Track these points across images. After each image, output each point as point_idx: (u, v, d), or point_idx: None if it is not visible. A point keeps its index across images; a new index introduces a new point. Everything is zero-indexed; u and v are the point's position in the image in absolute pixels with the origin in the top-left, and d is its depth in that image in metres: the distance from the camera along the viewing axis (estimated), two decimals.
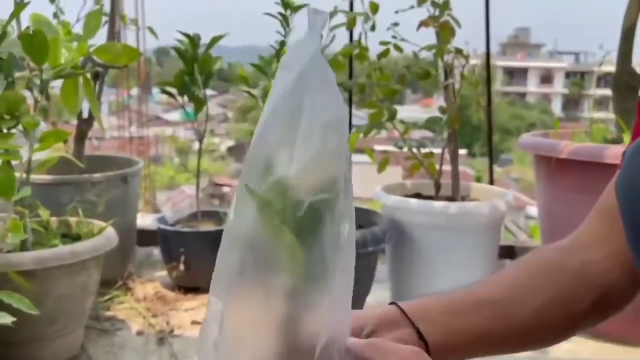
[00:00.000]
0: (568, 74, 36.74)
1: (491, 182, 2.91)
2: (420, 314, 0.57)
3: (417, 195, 2.19)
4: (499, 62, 34.20)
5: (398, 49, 2.14)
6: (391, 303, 0.60)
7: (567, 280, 0.60)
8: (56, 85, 1.92)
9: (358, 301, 1.92)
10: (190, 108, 2.24)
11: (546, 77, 37.08)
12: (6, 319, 1.31)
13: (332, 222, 0.48)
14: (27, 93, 1.67)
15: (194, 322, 1.96)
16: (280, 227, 0.48)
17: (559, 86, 36.30)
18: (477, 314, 0.59)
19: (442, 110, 2.12)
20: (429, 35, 2.15)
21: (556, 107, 34.21)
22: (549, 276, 0.61)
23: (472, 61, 2.20)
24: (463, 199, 2.18)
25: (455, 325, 0.58)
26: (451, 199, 2.12)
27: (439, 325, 0.57)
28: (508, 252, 2.57)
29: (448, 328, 0.58)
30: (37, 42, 1.58)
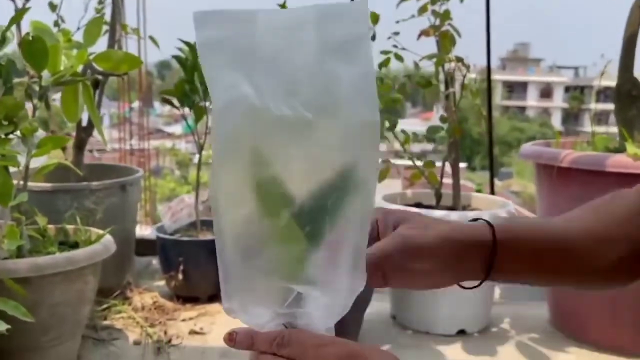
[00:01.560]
0: (567, 88, 36.89)
1: (492, 192, 2.89)
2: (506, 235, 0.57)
3: (418, 205, 2.18)
4: (498, 77, 34.36)
5: (399, 58, 2.14)
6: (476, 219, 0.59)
7: None
8: (57, 97, 1.91)
9: (357, 313, 1.89)
10: (191, 119, 2.23)
11: (546, 92, 37.21)
12: (1, 326, 1.29)
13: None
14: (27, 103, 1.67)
15: (192, 332, 1.94)
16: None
17: (558, 100, 36.42)
18: (552, 257, 0.59)
19: (443, 119, 2.11)
20: (430, 47, 2.15)
21: (556, 121, 34.30)
22: (628, 227, 0.60)
23: (472, 75, 2.20)
24: (464, 208, 2.16)
25: (536, 264, 0.59)
26: (452, 208, 2.11)
27: (519, 254, 0.58)
28: None
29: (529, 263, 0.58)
30: (36, 49, 1.57)
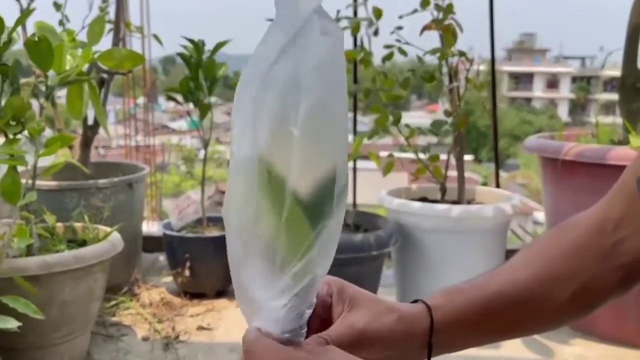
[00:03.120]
0: (574, 79, 36.65)
1: (497, 186, 2.89)
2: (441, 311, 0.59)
3: (423, 199, 2.19)
4: (504, 67, 34.17)
5: (402, 52, 2.14)
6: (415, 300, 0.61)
7: (595, 265, 0.60)
8: (62, 94, 1.93)
9: None
10: (195, 116, 2.25)
11: (552, 82, 36.99)
12: (12, 323, 1.31)
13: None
14: (33, 102, 1.68)
15: (200, 328, 1.96)
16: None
17: (565, 91, 36.20)
18: (502, 316, 0.60)
19: (447, 113, 2.11)
20: (433, 39, 2.15)
21: (562, 111, 34.10)
22: (576, 264, 0.60)
23: (477, 67, 2.20)
24: (469, 202, 2.17)
25: (482, 329, 0.60)
26: (457, 202, 2.12)
27: (463, 333, 0.59)
28: None
29: (472, 331, 0.60)
30: (42, 49, 1.58)
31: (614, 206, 0.61)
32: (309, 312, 0.54)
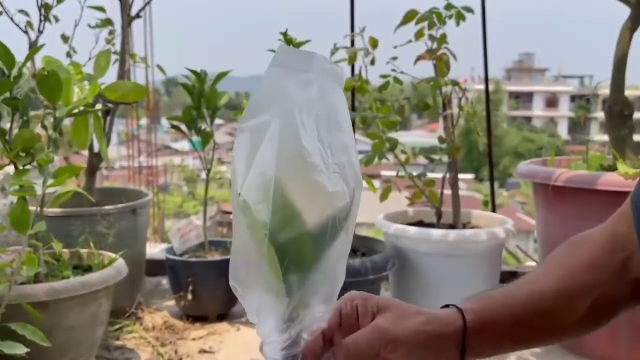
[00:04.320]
0: (573, 98, 36.86)
1: (493, 208, 2.94)
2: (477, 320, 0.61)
3: (420, 223, 2.24)
4: (505, 88, 34.40)
5: (398, 82, 2.21)
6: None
7: (609, 281, 0.63)
8: (68, 119, 2.00)
9: None
10: (198, 139, 2.31)
11: (552, 101, 37.22)
12: (21, 350, 1.36)
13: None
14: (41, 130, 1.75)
15: (202, 351, 2.00)
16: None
17: (564, 110, 36.40)
18: (529, 324, 0.63)
19: (441, 140, 2.18)
20: (429, 66, 2.21)
21: (562, 130, 34.26)
22: (592, 279, 0.63)
23: (477, 86, 2.26)
24: (464, 226, 2.22)
25: (509, 339, 0.64)
26: (453, 226, 2.17)
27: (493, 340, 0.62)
28: (511, 278, 2.59)
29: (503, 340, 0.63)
30: (51, 83, 1.65)
31: (622, 223, 0.64)
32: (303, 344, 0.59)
